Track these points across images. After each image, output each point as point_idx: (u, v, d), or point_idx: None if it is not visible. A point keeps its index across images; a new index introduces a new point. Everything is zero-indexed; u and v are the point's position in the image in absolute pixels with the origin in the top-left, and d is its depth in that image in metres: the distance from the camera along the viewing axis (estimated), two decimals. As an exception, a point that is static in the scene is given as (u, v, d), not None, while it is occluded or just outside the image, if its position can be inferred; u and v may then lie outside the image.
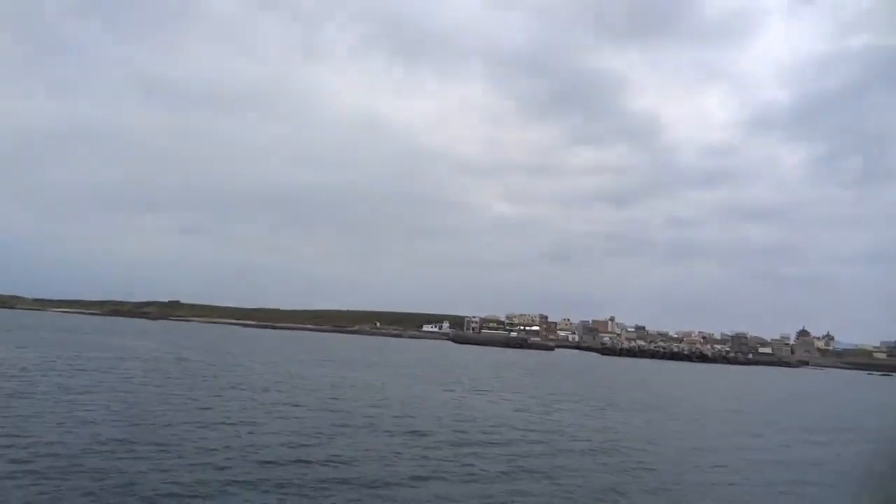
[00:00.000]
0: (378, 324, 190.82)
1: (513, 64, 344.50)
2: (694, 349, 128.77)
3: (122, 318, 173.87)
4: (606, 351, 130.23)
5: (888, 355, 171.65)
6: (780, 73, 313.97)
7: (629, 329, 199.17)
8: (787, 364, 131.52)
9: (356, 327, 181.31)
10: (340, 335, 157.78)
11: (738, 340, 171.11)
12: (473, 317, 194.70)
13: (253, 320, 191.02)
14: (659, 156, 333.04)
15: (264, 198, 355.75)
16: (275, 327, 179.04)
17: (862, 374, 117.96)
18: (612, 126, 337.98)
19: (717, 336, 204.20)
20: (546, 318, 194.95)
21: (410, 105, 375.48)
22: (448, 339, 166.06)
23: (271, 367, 35.60)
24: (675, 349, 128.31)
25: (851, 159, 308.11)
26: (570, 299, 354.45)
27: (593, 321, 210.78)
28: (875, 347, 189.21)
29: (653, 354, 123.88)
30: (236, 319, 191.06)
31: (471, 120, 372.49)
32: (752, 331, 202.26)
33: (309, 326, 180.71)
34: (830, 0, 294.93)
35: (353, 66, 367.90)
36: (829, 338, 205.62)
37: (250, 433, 14.72)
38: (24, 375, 22.45)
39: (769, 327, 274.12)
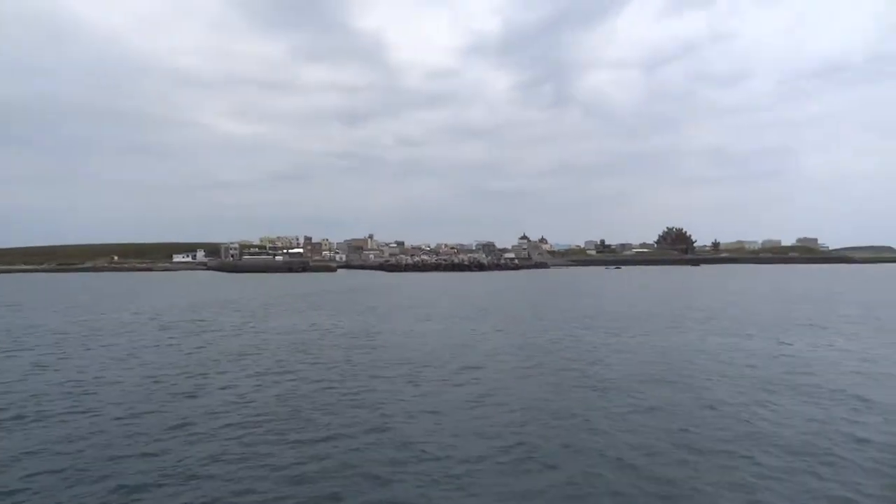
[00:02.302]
0: (116, 258, 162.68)
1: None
2: (472, 260, 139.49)
3: None
4: (391, 267, 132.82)
5: (597, 252, 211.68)
6: (493, 3, 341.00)
7: (391, 245, 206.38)
8: (542, 266, 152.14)
9: (90, 264, 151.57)
10: (76, 274, 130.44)
11: (490, 248, 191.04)
12: (231, 243, 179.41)
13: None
14: (388, 77, 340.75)
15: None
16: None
17: (601, 269, 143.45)
18: (342, 44, 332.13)
19: (459, 245, 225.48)
20: (310, 239, 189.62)
21: (114, 5, 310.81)
22: (211, 269, 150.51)
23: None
24: (456, 261, 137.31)
25: (546, 86, 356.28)
26: (312, 219, 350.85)
27: (353, 240, 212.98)
28: (581, 247, 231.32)
29: (436, 267, 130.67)
30: None
31: (190, 27, 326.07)
32: (483, 238, 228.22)
33: (23, 267, 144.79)
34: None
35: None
36: (544, 241, 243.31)
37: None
38: None
39: (497, 234, 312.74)
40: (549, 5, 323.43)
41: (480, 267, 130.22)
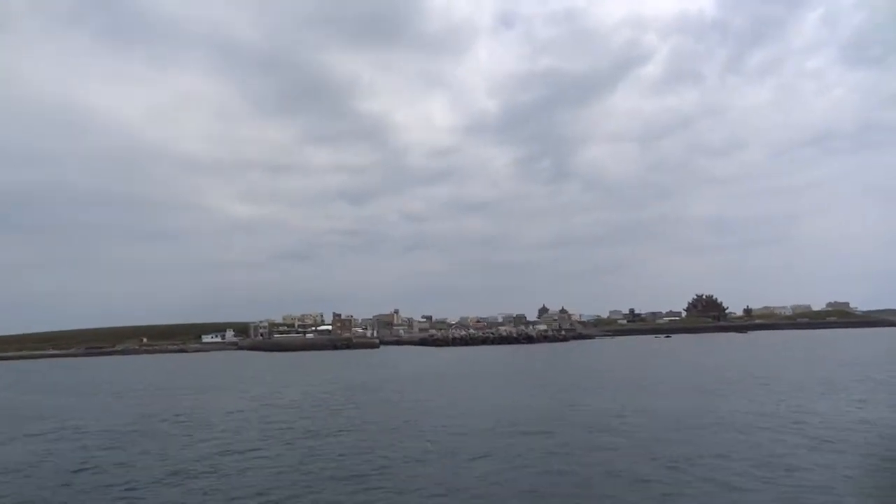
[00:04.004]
0: (145, 340, 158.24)
1: (243, 58, 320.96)
2: (520, 332, 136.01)
3: None
4: (437, 342, 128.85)
5: (628, 321, 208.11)
6: (490, 85, 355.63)
7: (420, 320, 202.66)
8: (587, 337, 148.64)
9: (120, 347, 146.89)
10: (113, 358, 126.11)
11: (520, 320, 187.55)
12: (260, 321, 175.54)
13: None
14: (391, 156, 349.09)
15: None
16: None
17: (650, 337, 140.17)
18: (347, 127, 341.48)
19: (482, 318, 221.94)
20: (339, 315, 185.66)
21: (124, 95, 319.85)
22: (242, 349, 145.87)
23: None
24: (504, 333, 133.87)
25: (544, 161, 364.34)
26: (325, 296, 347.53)
27: (381, 315, 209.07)
28: (606, 317, 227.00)
29: (483, 341, 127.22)
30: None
31: (198, 115, 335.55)
32: (502, 310, 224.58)
33: (52, 351, 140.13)
34: (523, 27, 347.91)
35: (47, 45, 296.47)
36: (565, 311, 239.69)
37: None
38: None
39: (512, 306, 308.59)
40: (544, 87, 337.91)
41: (529, 339, 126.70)
